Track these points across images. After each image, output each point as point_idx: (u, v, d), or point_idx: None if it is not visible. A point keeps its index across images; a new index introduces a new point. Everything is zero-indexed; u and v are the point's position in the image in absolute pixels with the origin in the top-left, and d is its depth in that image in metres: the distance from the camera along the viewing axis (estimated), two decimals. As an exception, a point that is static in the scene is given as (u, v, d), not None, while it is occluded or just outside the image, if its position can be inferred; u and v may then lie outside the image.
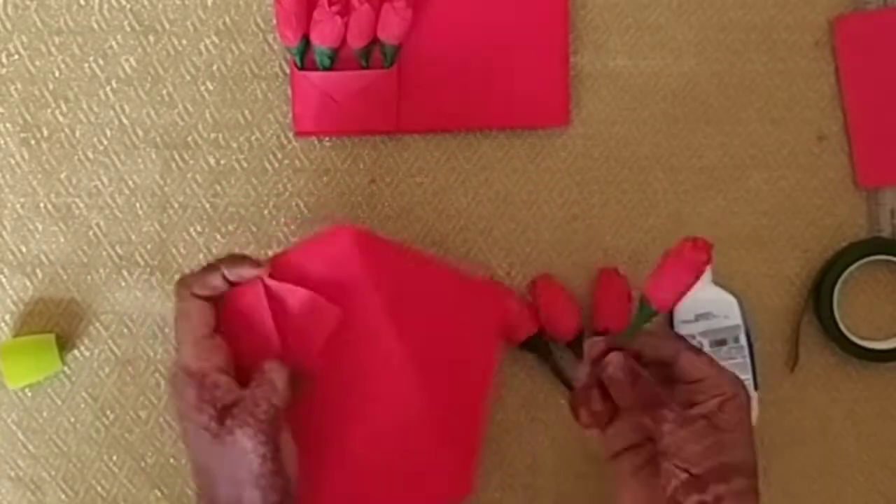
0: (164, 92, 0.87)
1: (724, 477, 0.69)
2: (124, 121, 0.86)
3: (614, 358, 0.72)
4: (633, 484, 0.73)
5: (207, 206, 0.87)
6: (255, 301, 0.73)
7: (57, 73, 0.86)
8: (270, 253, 0.87)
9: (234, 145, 0.87)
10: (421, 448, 0.78)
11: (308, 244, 0.77)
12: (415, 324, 0.77)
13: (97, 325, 0.87)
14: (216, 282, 0.71)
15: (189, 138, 0.87)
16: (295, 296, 0.73)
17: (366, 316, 0.76)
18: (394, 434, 0.77)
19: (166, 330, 0.87)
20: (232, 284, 0.72)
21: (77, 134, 0.86)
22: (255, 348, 0.73)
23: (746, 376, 0.86)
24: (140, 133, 0.87)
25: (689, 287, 0.71)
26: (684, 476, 0.69)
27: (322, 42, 0.84)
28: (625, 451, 0.74)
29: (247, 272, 0.72)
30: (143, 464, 0.87)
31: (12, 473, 0.86)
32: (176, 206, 0.87)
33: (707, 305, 0.87)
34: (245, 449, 0.67)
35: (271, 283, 0.73)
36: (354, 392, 0.76)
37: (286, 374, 0.70)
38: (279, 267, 0.74)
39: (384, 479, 0.77)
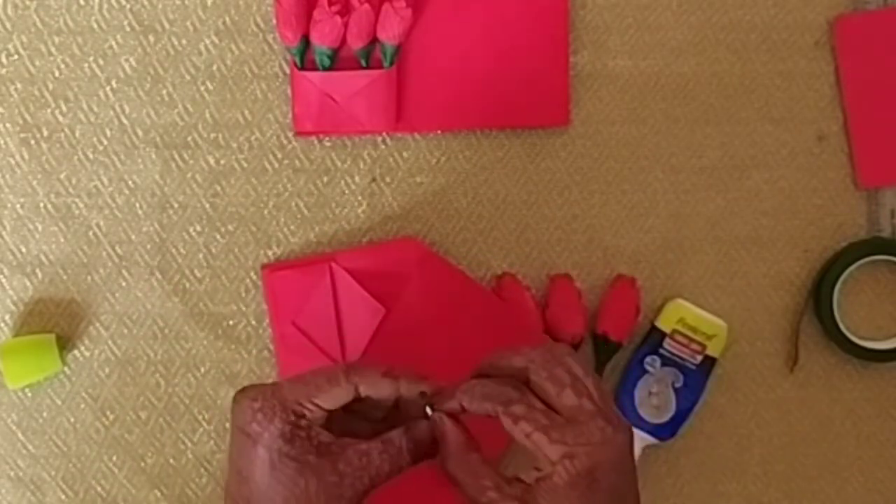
0: (164, 92, 0.87)
1: None
2: (124, 121, 0.86)
3: (429, 420, 0.69)
4: None
5: (207, 206, 0.87)
6: (321, 279, 0.84)
7: (57, 73, 0.86)
8: (270, 253, 0.87)
9: (234, 145, 0.87)
10: None
11: (376, 246, 0.86)
12: (450, 340, 0.84)
13: (97, 325, 0.87)
14: (385, 392, 0.69)
15: (189, 138, 0.87)
16: (348, 287, 0.84)
17: (408, 323, 0.85)
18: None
19: (166, 330, 0.87)
20: (397, 403, 0.70)
21: (77, 134, 0.86)
22: (314, 321, 0.83)
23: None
24: (140, 133, 0.87)
25: None
26: None
27: (322, 42, 0.84)
28: None
29: (413, 395, 0.69)
30: (143, 464, 0.87)
31: (12, 473, 0.86)
32: (176, 206, 0.87)
33: None
34: (336, 496, 0.66)
35: (337, 269, 0.84)
36: None
37: (410, 458, 0.68)
38: (343, 257, 0.85)
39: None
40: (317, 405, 0.67)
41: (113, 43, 0.86)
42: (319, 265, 0.85)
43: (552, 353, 0.68)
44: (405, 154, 0.88)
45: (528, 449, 0.66)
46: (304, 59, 0.85)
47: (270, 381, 0.87)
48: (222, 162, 0.87)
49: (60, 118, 0.86)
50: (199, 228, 0.87)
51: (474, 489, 0.66)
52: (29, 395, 0.86)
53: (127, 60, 0.86)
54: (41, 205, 0.86)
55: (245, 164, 0.87)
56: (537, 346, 0.69)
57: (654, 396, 0.87)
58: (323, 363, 0.84)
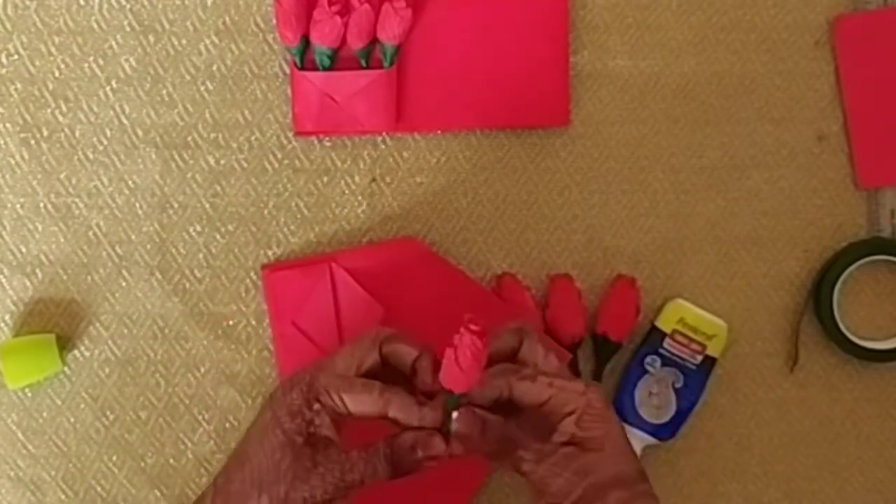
0: (164, 92, 0.87)
1: (598, 497, 0.68)
2: (124, 121, 0.86)
3: (459, 415, 0.70)
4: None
5: (207, 206, 0.87)
6: (321, 279, 0.84)
7: (57, 73, 0.86)
8: (270, 253, 0.87)
9: (234, 145, 0.87)
10: None
11: (376, 246, 0.86)
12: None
13: (97, 325, 0.87)
14: (412, 419, 0.70)
15: (189, 138, 0.87)
16: (348, 287, 0.84)
17: (408, 323, 0.82)
18: None
19: (166, 330, 0.87)
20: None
21: (77, 134, 0.86)
22: (314, 321, 0.83)
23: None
24: (140, 133, 0.87)
25: (481, 366, 0.67)
26: None
27: (322, 42, 0.84)
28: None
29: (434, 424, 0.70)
30: (143, 464, 0.87)
31: (12, 473, 0.86)
32: (176, 206, 0.87)
33: None
34: (303, 480, 0.67)
35: (337, 269, 0.84)
36: None
37: (390, 470, 0.69)
38: (343, 257, 0.85)
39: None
40: (342, 401, 0.69)
41: (113, 43, 0.86)
42: (319, 265, 0.85)
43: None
44: (405, 154, 0.88)
45: (545, 408, 0.70)
46: (304, 59, 0.85)
47: (270, 381, 0.87)
48: (222, 162, 0.87)
49: (60, 118, 0.86)
50: (199, 228, 0.87)
51: (528, 462, 0.69)
52: (29, 395, 0.86)
53: (127, 60, 0.86)
54: (41, 205, 0.86)
55: (245, 164, 0.87)
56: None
57: (655, 396, 0.87)
58: None
